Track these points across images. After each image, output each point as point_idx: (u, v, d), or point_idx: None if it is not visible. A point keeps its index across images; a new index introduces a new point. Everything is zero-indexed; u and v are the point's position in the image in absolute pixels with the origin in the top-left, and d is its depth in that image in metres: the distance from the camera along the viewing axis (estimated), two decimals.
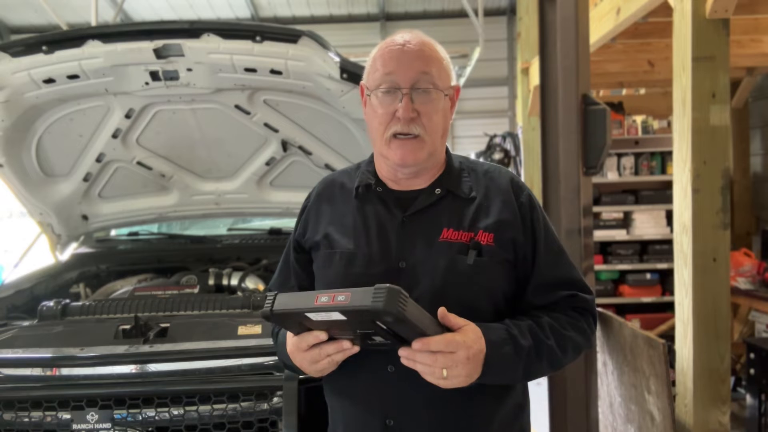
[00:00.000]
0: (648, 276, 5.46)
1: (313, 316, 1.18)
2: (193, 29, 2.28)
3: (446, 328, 1.22)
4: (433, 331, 1.20)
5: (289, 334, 1.33)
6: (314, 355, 1.27)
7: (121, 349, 2.02)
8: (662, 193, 5.37)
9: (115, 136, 2.77)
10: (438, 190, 1.41)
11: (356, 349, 1.26)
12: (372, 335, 1.20)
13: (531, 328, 1.33)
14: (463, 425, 1.35)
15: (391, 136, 1.36)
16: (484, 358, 1.24)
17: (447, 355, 1.20)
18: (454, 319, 1.24)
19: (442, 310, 1.23)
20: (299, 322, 1.24)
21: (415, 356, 1.21)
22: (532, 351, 1.30)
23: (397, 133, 1.36)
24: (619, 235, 5.49)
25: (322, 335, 1.24)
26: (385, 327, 1.15)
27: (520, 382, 1.40)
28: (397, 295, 1.10)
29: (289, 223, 3.50)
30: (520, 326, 1.32)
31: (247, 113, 2.69)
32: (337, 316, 1.15)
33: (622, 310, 5.41)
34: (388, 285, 1.11)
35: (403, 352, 1.22)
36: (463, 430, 1.36)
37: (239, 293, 2.69)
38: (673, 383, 2.58)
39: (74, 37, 2.30)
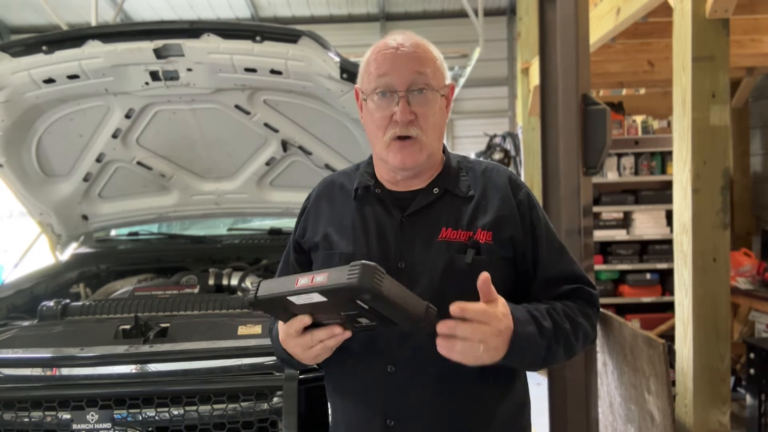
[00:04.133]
0: (648, 276, 5.46)
1: (296, 300, 1.17)
2: (193, 29, 2.28)
3: (429, 306, 1.18)
4: (418, 309, 1.17)
5: (280, 323, 1.32)
6: (306, 341, 1.25)
7: (121, 349, 2.02)
8: (662, 193, 5.36)
9: (115, 136, 2.77)
10: (436, 190, 1.41)
11: (348, 334, 1.24)
12: (357, 317, 1.19)
13: (549, 312, 1.32)
14: (463, 425, 1.35)
15: (390, 139, 1.36)
16: (511, 335, 1.21)
17: (482, 326, 1.17)
18: (494, 293, 1.20)
19: (484, 276, 1.19)
20: (285, 308, 1.22)
21: (457, 329, 1.16)
22: (552, 334, 1.29)
23: (397, 136, 1.35)
24: (619, 235, 5.48)
25: (306, 318, 1.23)
26: (366, 306, 1.13)
27: (539, 368, 1.36)
28: (373, 271, 1.08)
29: (289, 223, 3.50)
30: (539, 308, 1.31)
31: (247, 113, 2.69)
32: (318, 297, 1.14)
33: (622, 310, 5.40)
34: (363, 261, 1.09)
35: (442, 328, 1.16)
36: (464, 430, 1.36)
37: (239, 293, 2.69)
38: (673, 383, 2.58)
39: (74, 37, 2.30)
